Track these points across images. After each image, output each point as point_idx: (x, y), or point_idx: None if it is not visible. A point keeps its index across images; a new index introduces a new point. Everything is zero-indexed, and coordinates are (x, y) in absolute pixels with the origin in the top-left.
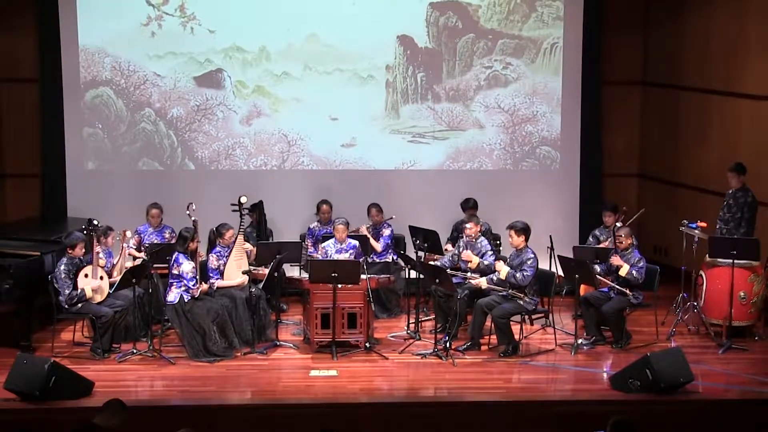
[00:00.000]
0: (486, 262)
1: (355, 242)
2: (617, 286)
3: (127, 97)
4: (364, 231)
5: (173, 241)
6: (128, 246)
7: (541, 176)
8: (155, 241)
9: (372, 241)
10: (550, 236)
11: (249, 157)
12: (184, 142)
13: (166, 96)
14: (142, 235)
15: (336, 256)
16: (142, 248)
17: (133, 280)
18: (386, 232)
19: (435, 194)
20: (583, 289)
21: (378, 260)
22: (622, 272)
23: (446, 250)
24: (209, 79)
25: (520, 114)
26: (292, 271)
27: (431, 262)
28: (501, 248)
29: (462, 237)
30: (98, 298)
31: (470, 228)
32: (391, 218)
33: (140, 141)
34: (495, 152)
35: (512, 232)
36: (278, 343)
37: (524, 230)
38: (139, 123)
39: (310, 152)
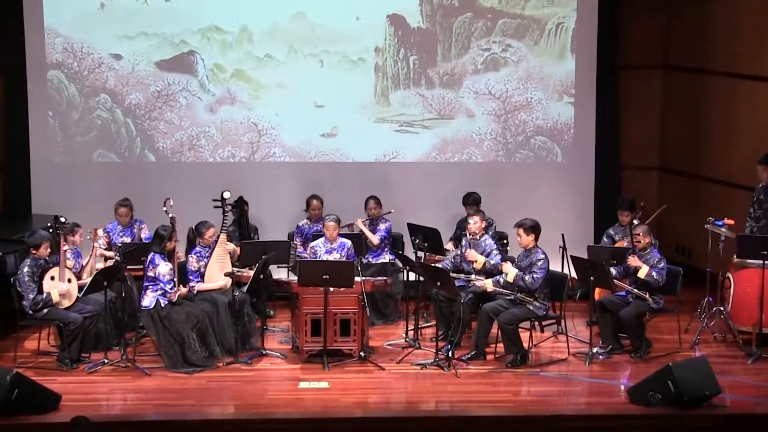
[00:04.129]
0: (492, 262)
1: (348, 242)
2: (635, 290)
3: (80, 82)
4: (359, 224)
5: (143, 234)
6: (99, 245)
7: (551, 169)
8: (125, 240)
9: (368, 233)
10: (563, 235)
11: (215, 148)
12: (143, 132)
13: (124, 81)
14: (111, 234)
15: (325, 257)
16: (113, 249)
17: (105, 283)
18: (383, 226)
19: (430, 188)
20: (598, 293)
21: (374, 261)
22: (641, 274)
23: (447, 250)
24: (179, 63)
25: (518, 101)
26: (280, 273)
27: (432, 264)
28: (508, 248)
29: (465, 235)
30: (66, 303)
31: (474, 223)
32: (390, 212)
33: (95, 130)
34: (486, 142)
35: (521, 231)
36: (264, 352)
37: (534, 228)
38: (93, 110)
39: (283, 142)
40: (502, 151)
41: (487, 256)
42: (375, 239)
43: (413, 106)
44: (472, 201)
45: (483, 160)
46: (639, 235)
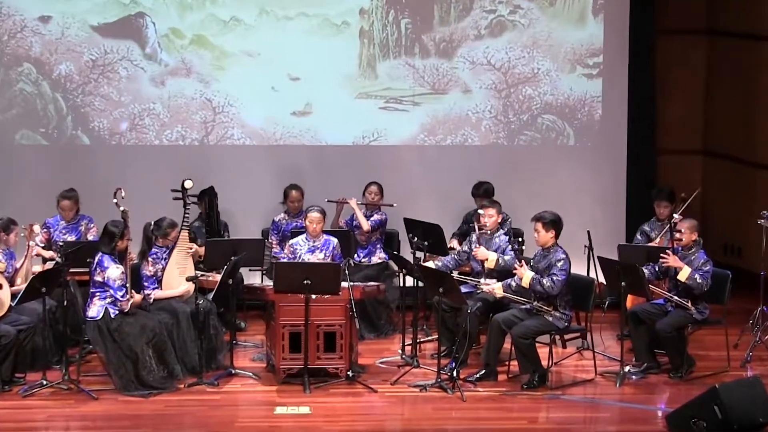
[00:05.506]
0: (506, 257)
1: (334, 239)
2: (675, 297)
3: None
4: (353, 204)
5: (90, 237)
6: (36, 244)
7: (563, 153)
8: (70, 238)
9: (360, 216)
10: (588, 232)
11: (162, 128)
12: (75, 109)
13: (51, 48)
14: (51, 230)
15: (308, 257)
16: (53, 247)
17: (43, 290)
18: (378, 216)
19: (425, 177)
20: (630, 301)
21: (365, 263)
22: (682, 276)
23: (452, 248)
24: (123, 27)
25: (523, 73)
26: (252, 277)
27: (432, 266)
28: (525, 248)
29: (474, 230)
30: None
31: (490, 217)
32: (392, 205)
33: (17, 107)
34: (484, 122)
35: (539, 225)
36: (234, 372)
37: (554, 223)
38: (15, 83)
39: (243, 122)
40: (503, 132)
41: (502, 254)
42: (366, 224)
43: (402, 79)
44: (483, 192)
45: (480, 143)
46: (682, 231)
